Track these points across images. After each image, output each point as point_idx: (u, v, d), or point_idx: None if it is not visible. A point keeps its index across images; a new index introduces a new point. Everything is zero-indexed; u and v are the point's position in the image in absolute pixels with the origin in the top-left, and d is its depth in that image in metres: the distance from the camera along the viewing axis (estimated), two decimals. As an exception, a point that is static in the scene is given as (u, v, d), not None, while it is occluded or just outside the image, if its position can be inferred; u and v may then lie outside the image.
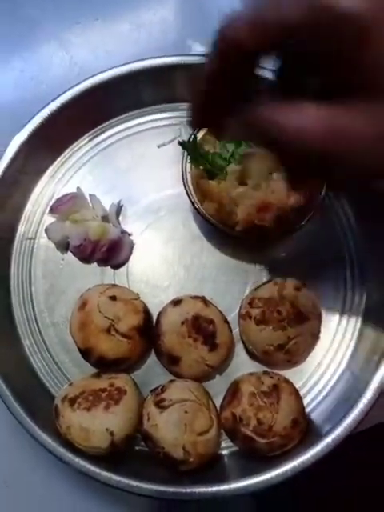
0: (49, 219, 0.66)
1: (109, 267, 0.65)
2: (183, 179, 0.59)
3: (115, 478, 0.55)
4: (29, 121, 0.64)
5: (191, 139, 0.56)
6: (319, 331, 0.62)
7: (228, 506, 0.59)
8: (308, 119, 0.30)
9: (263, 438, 0.55)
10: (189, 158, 0.58)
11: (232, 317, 0.62)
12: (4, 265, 0.65)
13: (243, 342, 0.62)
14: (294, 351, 0.59)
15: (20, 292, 0.65)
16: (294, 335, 0.58)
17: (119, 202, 0.66)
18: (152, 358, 0.63)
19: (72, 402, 0.57)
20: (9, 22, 0.72)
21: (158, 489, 0.55)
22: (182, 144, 0.57)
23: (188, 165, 0.59)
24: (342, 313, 0.63)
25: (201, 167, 0.57)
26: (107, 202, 0.65)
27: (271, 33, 0.30)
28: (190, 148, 0.56)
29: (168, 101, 0.68)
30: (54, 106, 0.64)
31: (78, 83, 0.64)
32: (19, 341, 0.64)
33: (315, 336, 0.61)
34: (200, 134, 0.58)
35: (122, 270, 0.65)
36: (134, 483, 0.55)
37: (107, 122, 0.69)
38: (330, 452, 0.55)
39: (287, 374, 0.60)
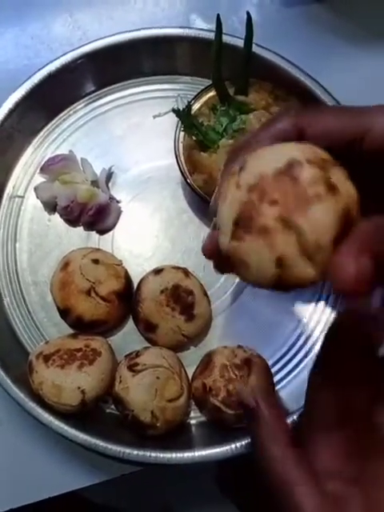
0: (39, 179, 0.66)
1: (94, 232, 0.65)
2: (175, 148, 0.59)
3: (82, 436, 0.55)
4: (27, 79, 0.64)
5: (186, 108, 0.57)
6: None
7: (191, 473, 0.60)
8: None
9: (231, 409, 0.56)
10: (182, 127, 0.58)
11: (212, 291, 0.63)
12: (-9, 220, 0.65)
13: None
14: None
15: (4, 248, 0.65)
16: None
17: (110, 169, 0.66)
18: (129, 326, 0.63)
19: (46, 358, 0.57)
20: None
21: (123, 450, 0.55)
22: (176, 112, 0.57)
23: (181, 134, 0.59)
24: (318, 291, 0.64)
25: (193, 137, 0.58)
26: (98, 168, 0.65)
27: None
28: (184, 116, 0.57)
29: (167, 72, 0.69)
30: (53, 66, 0.64)
31: (80, 46, 0.64)
32: (0, 297, 0.64)
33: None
34: (196, 106, 0.59)
35: (107, 236, 0.66)
36: (100, 443, 0.55)
37: (105, 89, 0.69)
38: (295, 428, 0.56)
39: (261, 350, 0.61)
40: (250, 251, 0.25)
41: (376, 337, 0.35)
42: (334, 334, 0.37)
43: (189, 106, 0.57)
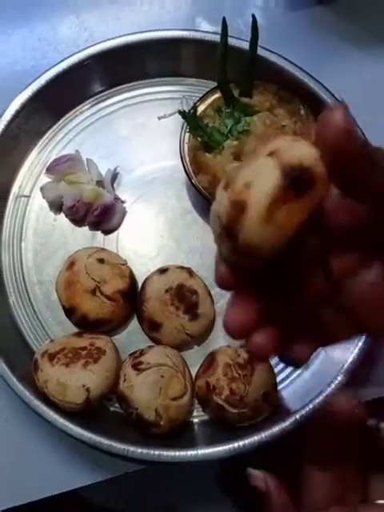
0: (45, 179, 0.67)
1: (99, 232, 0.66)
2: (180, 149, 0.60)
3: (87, 434, 0.56)
4: (33, 81, 0.64)
5: (192, 110, 0.58)
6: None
7: (194, 473, 0.60)
8: None
9: (234, 407, 0.57)
10: (188, 128, 0.59)
11: (216, 291, 0.64)
12: (-3, 219, 0.66)
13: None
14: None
15: (10, 248, 0.66)
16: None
17: (115, 169, 0.67)
18: (133, 324, 0.64)
19: (52, 357, 0.58)
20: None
21: (127, 448, 0.56)
22: (182, 114, 0.58)
23: (186, 135, 0.60)
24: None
25: (198, 139, 0.58)
26: (104, 168, 0.66)
27: None
28: (190, 117, 0.57)
29: (172, 74, 0.69)
30: (59, 68, 0.65)
31: (86, 48, 0.65)
32: (6, 296, 0.65)
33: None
34: (201, 107, 0.60)
35: (112, 236, 0.66)
36: (104, 441, 0.56)
37: (111, 90, 0.69)
38: (297, 428, 0.56)
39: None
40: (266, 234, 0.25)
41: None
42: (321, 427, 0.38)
43: (194, 108, 0.58)
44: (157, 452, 0.56)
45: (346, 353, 0.59)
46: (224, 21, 0.57)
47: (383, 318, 0.27)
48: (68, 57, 0.65)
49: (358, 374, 0.58)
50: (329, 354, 0.61)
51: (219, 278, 0.30)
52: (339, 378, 0.57)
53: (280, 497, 0.35)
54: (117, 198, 0.66)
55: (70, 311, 0.61)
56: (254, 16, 0.57)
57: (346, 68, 0.69)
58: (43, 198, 0.66)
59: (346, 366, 0.58)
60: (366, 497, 0.36)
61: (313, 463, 0.37)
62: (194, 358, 0.62)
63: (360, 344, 0.58)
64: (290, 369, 0.63)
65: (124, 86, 0.69)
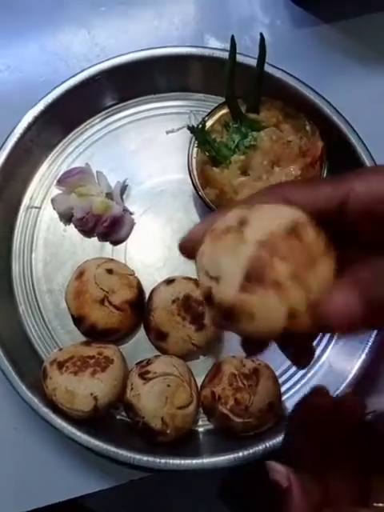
0: (55, 191, 0.68)
1: (108, 243, 0.67)
2: (188, 163, 0.61)
3: (94, 441, 0.57)
4: (46, 94, 0.66)
5: (200, 125, 0.59)
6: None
7: (198, 480, 0.61)
8: None
9: (239, 417, 0.58)
10: (196, 142, 0.60)
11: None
12: (8, 230, 0.67)
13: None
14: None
15: (21, 258, 0.67)
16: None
17: (124, 181, 0.68)
18: (140, 334, 0.65)
19: (60, 365, 0.59)
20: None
21: (134, 456, 0.57)
22: (190, 129, 0.59)
23: (194, 150, 0.61)
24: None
25: (206, 153, 0.60)
26: (113, 180, 0.68)
27: None
28: (198, 133, 0.59)
29: (180, 89, 0.71)
30: (71, 83, 0.66)
31: (97, 63, 0.67)
32: (15, 305, 0.66)
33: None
34: (209, 123, 0.61)
35: (121, 246, 0.68)
36: (111, 449, 0.57)
37: (121, 104, 0.71)
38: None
39: (268, 360, 0.63)
40: (261, 303, 0.27)
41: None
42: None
43: (203, 124, 0.59)
44: (163, 460, 0.57)
45: (350, 364, 0.60)
46: (233, 39, 0.58)
47: None
48: (79, 72, 0.66)
49: (361, 385, 0.59)
50: (333, 364, 0.62)
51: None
52: (343, 389, 0.58)
53: (302, 496, 0.31)
54: (125, 210, 0.67)
55: (78, 320, 0.62)
56: (261, 35, 0.58)
57: (351, 85, 0.71)
58: (54, 209, 0.67)
59: (349, 376, 0.59)
60: (367, 499, 0.35)
61: (290, 464, 0.35)
62: (200, 367, 0.64)
63: (363, 355, 0.59)
64: (294, 379, 0.64)
65: (133, 100, 0.71)
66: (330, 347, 0.64)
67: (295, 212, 0.28)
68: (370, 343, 0.59)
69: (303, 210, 0.29)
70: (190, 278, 0.63)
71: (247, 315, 0.27)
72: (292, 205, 0.29)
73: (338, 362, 0.61)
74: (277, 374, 0.62)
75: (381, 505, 0.33)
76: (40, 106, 0.66)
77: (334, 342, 0.64)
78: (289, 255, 0.27)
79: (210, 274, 0.28)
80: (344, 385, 0.58)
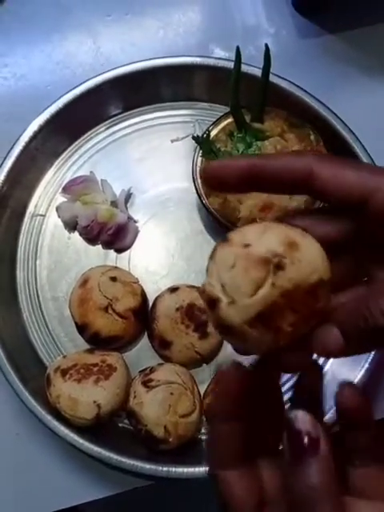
0: (60, 199, 0.69)
1: (112, 251, 0.68)
2: (192, 172, 0.62)
3: (96, 449, 0.57)
4: (51, 104, 0.66)
5: (205, 134, 0.59)
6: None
7: (200, 488, 0.61)
8: None
9: (242, 426, 0.57)
10: (200, 151, 0.61)
11: (225, 310, 0.65)
12: (13, 237, 0.68)
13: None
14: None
15: (25, 265, 0.68)
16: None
17: (129, 190, 0.68)
18: (144, 342, 0.65)
19: (64, 372, 0.59)
20: (42, 6, 0.74)
21: (136, 464, 0.57)
22: (195, 138, 0.60)
23: (199, 159, 0.62)
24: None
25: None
26: (117, 189, 0.68)
27: None
28: (203, 142, 0.59)
29: (185, 99, 0.71)
30: (76, 91, 0.67)
31: (103, 73, 0.67)
32: (20, 312, 0.66)
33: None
34: (213, 132, 0.61)
35: (125, 254, 0.68)
36: (113, 456, 0.57)
37: (125, 113, 0.71)
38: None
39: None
40: (257, 338, 0.28)
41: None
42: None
43: (208, 133, 0.60)
44: (165, 468, 0.57)
45: (353, 373, 0.59)
46: (238, 49, 0.59)
47: None
48: (85, 81, 0.67)
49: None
50: (335, 374, 0.62)
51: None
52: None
53: (330, 448, 0.27)
54: (130, 218, 0.67)
55: (82, 328, 0.62)
56: (266, 45, 0.58)
57: (356, 95, 0.71)
58: (58, 217, 0.68)
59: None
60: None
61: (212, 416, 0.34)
62: (203, 376, 0.64)
63: (366, 365, 0.59)
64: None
65: (138, 109, 0.71)
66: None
67: (326, 265, 0.29)
68: (373, 353, 0.59)
69: (272, 172, 0.31)
70: (193, 286, 0.63)
71: (241, 339, 0.29)
72: (315, 181, 0.30)
73: (341, 372, 0.61)
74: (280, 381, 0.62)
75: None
76: (46, 115, 0.66)
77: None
78: (301, 309, 0.28)
79: (226, 287, 0.28)
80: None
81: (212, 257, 0.29)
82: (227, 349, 0.65)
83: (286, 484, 0.29)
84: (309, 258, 0.29)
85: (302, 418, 0.28)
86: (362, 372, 0.59)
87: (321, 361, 0.63)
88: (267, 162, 0.31)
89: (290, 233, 0.29)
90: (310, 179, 0.30)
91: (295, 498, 0.28)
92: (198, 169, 0.62)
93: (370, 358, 0.59)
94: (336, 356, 0.29)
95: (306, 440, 0.27)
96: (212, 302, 0.29)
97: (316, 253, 0.29)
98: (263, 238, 0.29)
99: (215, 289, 0.29)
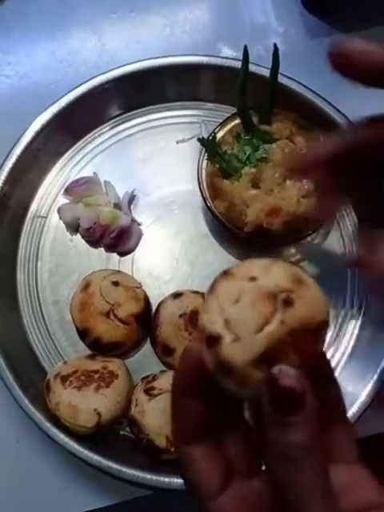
0: (62, 200, 0.67)
1: (115, 254, 0.66)
2: (198, 175, 0.60)
3: (96, 457, 0.56)
4: (54, 102, 0.65)
5: (211, 137, 0.58)
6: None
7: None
8: None
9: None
10: (206, 154, 0.59)
11: (230, 316, 0.63)
12: (14, 239, 0.66)
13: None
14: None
15: (26, 267, 0.66)
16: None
17: (133, 192, 0.67)
18: (146, 348, 0.64)
19: (64, 379, 0.58)
20: (46, 4, 0.73)
21: (137, 474, 0.56)
22: (201, 140, 0.58)
23: (204, 162, 0.60)
24: (337, 327, 0.64)
25: (217, 165, 0.59)
26: (121, 190, 0.66)
27: None
28: (209, 145, 0.58)
29: (191, 99, 0.69)
30: (80, 90, 0.65)
31: (107, 71, 0.66)
32: (20, 315, 0.65)
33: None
34: (220, 134, 0.60)
35: (128, 258, 0.66)
36: (114, 466, 0.56)
37: (130, 113, 0.70)
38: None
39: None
40: (258, 381, 0.26)
41: None
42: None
43: (214, 136, 0.58)
44: (167, 479, 0.55)
45: (362, 383, 0.58)
46: (245, 49, 0.57)
47: None
48: (88, 80, 0.65)
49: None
50: (344, 385, 0.61)
51: None
52: (354, 410, 0.57)
53: (314, 402, 0.26)
54: (133, 221, 0.66)
55: (83, 333, 0.61)
56: (275, 45, 0.57)
57: (366, 96, 0.68)
58: (60, 219, 0.66)
59: (361, 398, 0.57)
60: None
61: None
62: (206, 383, 0.62)
63: (375, 376, 0.58)
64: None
65: (143, 109, 0.70)
66: (341, 365, 0.62)
67: (328, 307, 0.28)
68: (382, 365, 0.58)
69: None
70: (197, 292, 0.62)
71: (241, 381, 0.26)
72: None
73: (350, 383, 0.60)
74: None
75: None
76: (48, 114, 0.65)
77: (345, 360, 0.62)
78: (303, 351, 0.27)
79: (230, 323, 0.26)
80: (355, 406, 0.57)
81: (212, 291, 0.28)
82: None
83: (267, 444, 0.27)
84: (314, 297, 0.27)
85: (286, 372, 0.26)
86: (371, 383, 0.57)
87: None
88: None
89: (295, 269, 0.28)
90: None
91: (278, 457, 0.27)
92: (203, 171, 0.60)
93: (379, 369, 0.58)
94: None
95: (291, 395, 0.26)
96: (212, 340, 0.27)
97: (319, 293, 0.28)
98: (270, 272, 0.27)
99: (216, 325, 0.27)
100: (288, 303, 0.26)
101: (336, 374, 0.60)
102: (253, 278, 0.27)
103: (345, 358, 0.63)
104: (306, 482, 0.26)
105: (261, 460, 0.31)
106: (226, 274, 0.28)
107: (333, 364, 0.62)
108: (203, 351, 0.27)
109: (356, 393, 0.58)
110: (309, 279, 0.28)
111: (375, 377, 0.58)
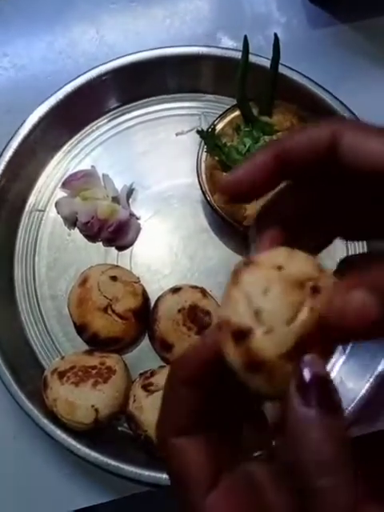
0: (60, 194, 0.66)
1: (113, 248, 0.65)
2: (197, 168, 0.59)
3: (94, 454, 0.55)
4: (52, 94, 0.64)
5: (210, 129, 0.57)
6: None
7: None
8: None
9: (244, 433, 0.55)
10: (205, 147, 0.58)
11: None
12: (11, 233, 0.65)
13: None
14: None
15: (23, 261, 0.65)
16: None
17: (131, 185, 0.66)
18: (145, 343, 0.63)
19: (61, 375, 0.57)
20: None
21: (135, 471, 0.55)
22: (200, 132, 0.57)
23: (204, 154, 0.59)
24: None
25: (216, 158, 0.58)
26: (119, 184, 0.65)
27: None
28: (208, 137, 0.57)
29: (191, 90, 0.68)
30: (78, 82, 0.64)
31: (106, 62, 0.65)
32: (17, 310, 0.64)
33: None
34: (219, 126, 0.59)
35: (126, 252, 0.65)
36: (112, 462, 0.55)
37: (129, 105, 0.69)
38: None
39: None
40: (285, 372, 0.25)
41: None
42: None
43: (213, 129, 0.57)
44: (164, 475, 0.55)
45: (362, 380, 0.57)
46: (245, 39, 0.56)
47: None
48: (86, 71, 0.64)
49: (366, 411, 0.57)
50: (344, 380, 0.60)
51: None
52: (353, 407, 0.56)
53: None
54: (132, 215, 0.65)
55: (81, 328, 0.60)
56: (276, 35, 0.56)
57: (368, 87, 0.68)
58: (58, 213, 0.65)
59: (360, 394, 0.57)
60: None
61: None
62: (205, 379, 0.61)
63: (375, 373, 0.57)
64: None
65: (142, 101, 0.69)
66: (340, 362, 0.61)
67: None
68: (381, 361, 0.57)
69: (298, 152, 0.28)
70: (196, 287, 0.61)
71: (269, 377, 0.25)
72: (288, 151, 0.28)
73: (350, 379, 0.59)
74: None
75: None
76: (45, 106, 0.64)
77: (344, 358, 0.61)
78: (326, 340, 0.25)
79: (261, 315, 0.25)
80: (354, 403, 0.56)
81: (234, 282, 0.26)
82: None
83: (284, 418, 0.25)
84: (331, 286, 0.26)
85: (315, 361, 0.25)
86: (371, 380, 0.57)
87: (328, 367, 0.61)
88: (291, 142, 0.28)
89: (312, 257, 0.27)
90: (333, 148, 0.27)
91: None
92: (202, 165, 0.59)
93: (380, 366, 0.57)
94: (369, 332, 0.25)
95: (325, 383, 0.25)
96: (241, 333, 0.25)
97: (336, 280, 0.27)
98: (295, 261, 0.26)
99: (246, 317, 0.25)
100: (316, 290, 0.25)
101: (336, 370, 0.60)
102: (279, 267, 0.26)
103: (345, 354, 0.62)
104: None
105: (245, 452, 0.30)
106: (248, 263, 0.26)
107: (333, 360, 0.62)
108: (225, 345, 0.26)
109: (356, 389, 0.57)
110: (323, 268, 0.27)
111: (375, 373, 0.57)
